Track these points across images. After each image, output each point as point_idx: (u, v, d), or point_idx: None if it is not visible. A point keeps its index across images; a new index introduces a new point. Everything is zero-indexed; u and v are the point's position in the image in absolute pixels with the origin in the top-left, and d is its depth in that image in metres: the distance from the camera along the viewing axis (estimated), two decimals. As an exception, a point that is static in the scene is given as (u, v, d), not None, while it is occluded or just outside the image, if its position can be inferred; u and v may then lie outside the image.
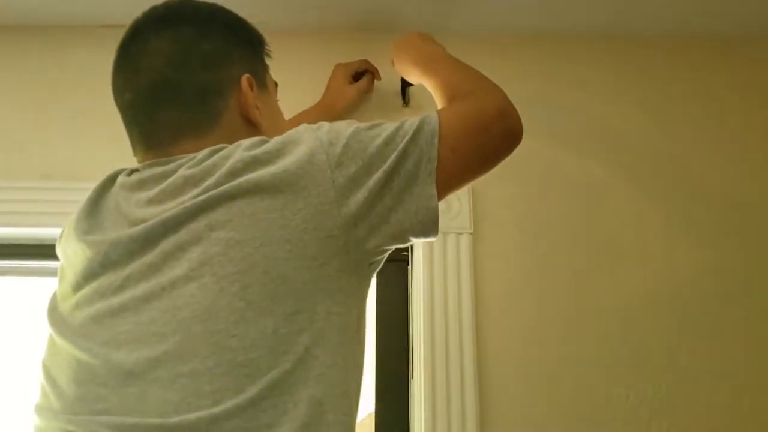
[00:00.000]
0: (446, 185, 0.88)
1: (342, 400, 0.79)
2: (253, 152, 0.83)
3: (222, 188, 0.81)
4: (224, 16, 1.00)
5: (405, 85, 1.59)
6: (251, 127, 0.96)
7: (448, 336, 1.42)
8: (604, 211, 1.59)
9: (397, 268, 1.55)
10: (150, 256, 0.81)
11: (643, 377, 1.45)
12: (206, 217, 0.80)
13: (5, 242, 1.53)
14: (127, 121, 0.96)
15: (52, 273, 1.58)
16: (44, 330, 0.88)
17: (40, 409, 0.82)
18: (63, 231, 0.96)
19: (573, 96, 1.68)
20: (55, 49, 1.65)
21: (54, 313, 0.88)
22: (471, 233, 1.51)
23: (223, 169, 0.82)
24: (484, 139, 0.92)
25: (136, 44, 0.95)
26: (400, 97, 1.63)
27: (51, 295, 0.92)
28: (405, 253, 1.57)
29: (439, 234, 1.45)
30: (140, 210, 0.86)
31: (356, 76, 1.58)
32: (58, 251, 0.96)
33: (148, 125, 0.94)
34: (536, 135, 1.58)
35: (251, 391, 0.73)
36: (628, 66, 1.72)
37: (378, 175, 0.84)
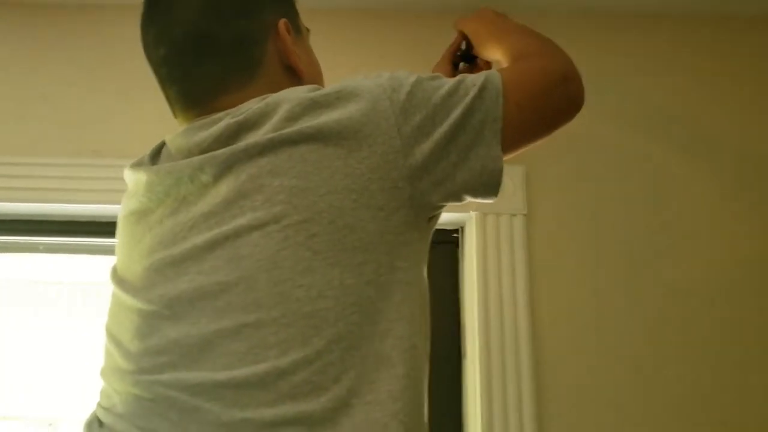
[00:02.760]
0: (507, 147, 0.85)
1: (409, 355, 0.76)
2: (311, 95, 0.81)
3: (283, 132, 0.78)
4: None
5: (466, 60, 1.51)
6: (291, 74, 0.92)
7: (503, 317, 1.40)
8: (662, 193, 1.54)
9: (447, 250, 1.52)
10: (211, 204, 0.79)
11: (700, 363, 1.41)
12: (268, 162, 0.78)
13: (56, 219, 1.53)
14: (163, 80, 0.93)
15: (103, 250, 1.61)
16: (107, 295, 0.87)
17: (106, 373, 0.81)
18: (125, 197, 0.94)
19: (634, 76, 1.63)
20: (107, 25, 1.64)
21: (115, 271, 0.87)
22: (525, 214, 1.48)
23: (281, 113, 0.79)
24: (547, 102, 0.90)
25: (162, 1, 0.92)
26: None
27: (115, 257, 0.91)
28: (455, 235, 1.54)
29: (492, 216, 1.45)
30: (197, 157, 0.83)
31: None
32: (122, 207, 0.93)
33: (186, 82, 0.90)
34: (595, 114, 1.52)
35: (318, 344, 0.71)
36: (691, 46, 1.66)
37: (443, 128, 0.81)
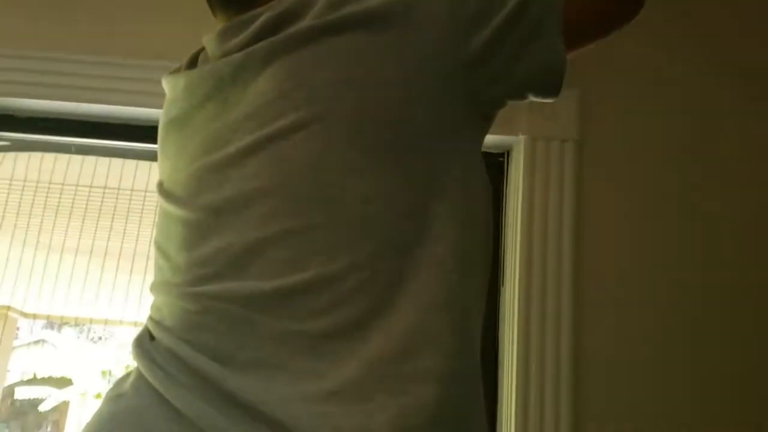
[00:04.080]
0: (569, 42, 0.78)
1: (466, 260, 0.71)
2: None
3: (325, 20, 0.71)
4: None
5: None
6: None
7: (546, 248, 1.35)
8: (717, 122, 1.47)
9: (491, 174, 1.45)
10: (253, 104, 0.73)
11: (749, 305, 1.36)
12: (310, 54, 0.71)
13: (89, 119, 1.48)
14: None
15: (136, 155, 1.57)
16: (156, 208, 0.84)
17: (156, 287, 0.78)
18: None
19: (697, 12, 1.53)
20: None
21: (161, 184, 0.83)
22: (576, 140, 1.41)
23: (323, 1, 0.73)
24: (605, 3, 0.82)
25: None
26: None
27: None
28: (500, 159, 1.48)
29: (542, 140, 1.39)
30: (237, 54, 0.76)
31: None
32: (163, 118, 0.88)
33: None
34: (652, 38, 1.44)
35: (367, 249, 0.67)
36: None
37: (502, 16, 0.74)
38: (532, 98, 0.80)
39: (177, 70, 0.87)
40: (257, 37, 0.75)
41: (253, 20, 0.76)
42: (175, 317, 0.72)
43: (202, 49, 0.87)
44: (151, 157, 1.54)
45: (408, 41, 0.71)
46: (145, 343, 0.73)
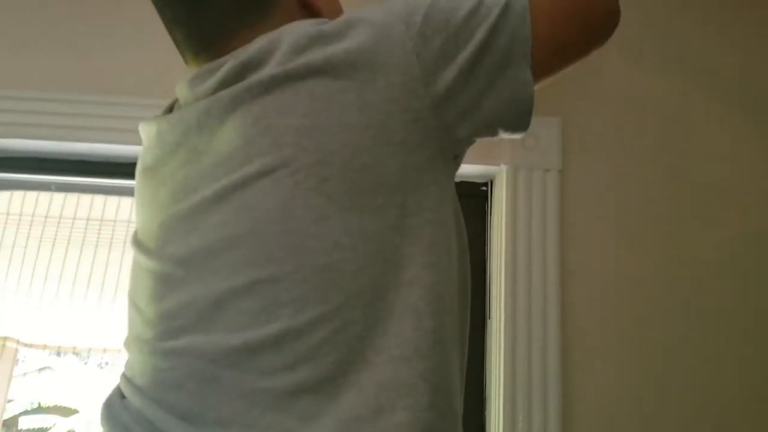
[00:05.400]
0: (538, 72, 0.76)
1: (439, 307, 0.69)
2: (318, 28, 0.73)
3: (287, 66, 0.70)
4: None
5: None
6: (308, 12, 0.83)
7: (531, 277, 1.33)
8: (702, 148, 1.46)
9: (475, 204, 1.45)
10: (219, 152, 0.72)
11: (738, 330, 1.34)
12: (274, 100, 0.70)
13: (69, 158, 1.48)
14: (168, 23, 0.84)
15: (116, 191, 1.56)
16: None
17: (128, 342, 0.77)
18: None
19: (673, 24, 1.53)
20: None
21: (135, 234, 0.82)
22: (559, 170, 1.40)
23: (285, 47, 0.72)
24: (584, 12, 0.80)
25: None
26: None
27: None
28: (483, 188, 1.47)
29: (525, 170, 1.37)
30: (203, 101, 0.76)
31: None
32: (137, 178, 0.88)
33: (192, 23, 0.82)
34: (634, 64, 1.43)
35: (336, 299, 0.65)
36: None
37: (468, 51, 0.73)
38: (503, 134, 0.78)
39: (153, 116, 0.86)
40: (222, 85, 0.74)
41: (218, 68, 0.76)
42: (146, 375, 0.70)
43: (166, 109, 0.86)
44: (131, 192, 1.53)
45: (373, 86, 0.70)
46: (116, 405, 0.71)
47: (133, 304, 0.77)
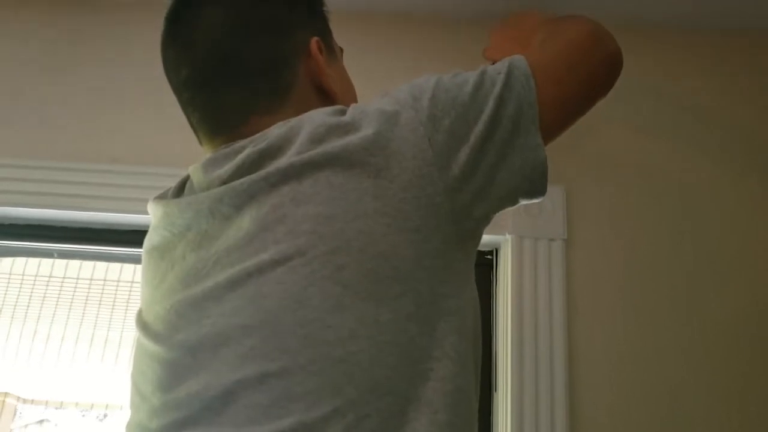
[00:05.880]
0: (548, 132, 0.77)
1: (454, 399, 0.67)
2: (336, 118, 0.73)
3: (305, 156, 0.70)
4: None
5: None
6: (324, 97, 0.85)
7: (538, 349, 1.31)
8: (710, 215, 1.44)
9: (480, 273, 1.43)
10: (233, 238, 0.71)
11: (748, 402, 1.30)
12: (291, 189, 0.70)
13: (72, 225, 1.47)
14: (185, 104, 0.85)
15: (118, 259, 1.55)
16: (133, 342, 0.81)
17: (131, 427, 0.74)
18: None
19: (678, 89, 1.53)
20: (130, 25, 1.57)
21: (140, 315, 0.80)
22: (564, 239, 1.38)
23: (303, 136, 0.72)
24: (587, 68, 0.81)
25: (187, 14, 0.85)
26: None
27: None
28: (488, 257, 1.45)
29: (530, 239, 1.36)
30: (216, 189, 0.76)
31: None
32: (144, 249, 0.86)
33: (210, 107, 0.83)
34: (638, 130, 1.43)
35: (351, 393, 0.63)
36: (736, 57, 1.56)
37: (478, 129, 0.73)
38: (521, 200, 0.78)
39: (162, 196, 0.85)
40: (239, 172, 0.74)
41: (235, 154, 0.76)
42: None
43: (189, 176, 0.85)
44: (135, 260, 1.52)
45: (388, 172, 0.70)
46: None
47: (137, 388, 0.75)
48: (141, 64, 1.51)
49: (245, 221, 0.71)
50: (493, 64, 1.25)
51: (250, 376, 0.64)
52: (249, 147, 0.75)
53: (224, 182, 0.75)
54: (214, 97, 0.82)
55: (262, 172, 0.72)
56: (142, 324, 0.78)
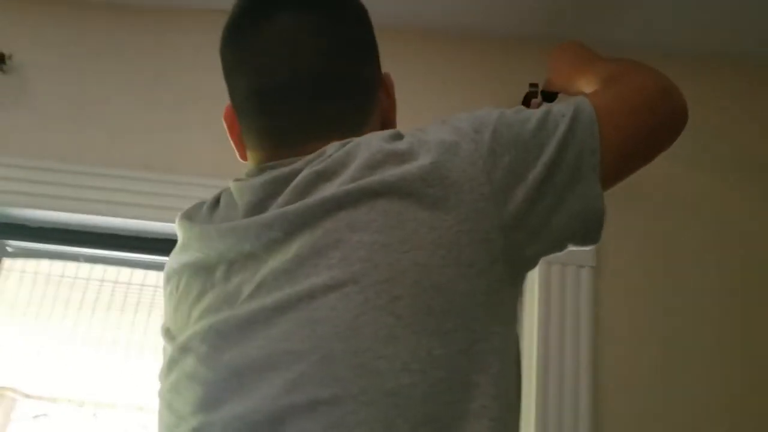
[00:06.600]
0: (608, 180, 0.75)
1: None
2: (393, 144, 0.72)
3: (362, 182, 0.69)
4: (354, 1, 0.86)
5: (546, 98, 1.42)
6: (383, 127, 0.82)
7: (563, 378, 1.29)
8: (738, 245, 1.42)
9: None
10: (282, 261, 0.69)
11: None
12: (346, 215, 0.68)
13: (99, 231, 1.48)
14: (257, 110, 0.81)
15: (144, 265, 1.55)
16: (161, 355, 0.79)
17: None
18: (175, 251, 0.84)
19: (713, 120, 1.51)
20: (167, 32, 1.58)
21: (169, 331, 0.78)
22: (593, 266, 1.36)
23: (360, 161, 0.70)
24: (651, 118, 0.79)
25: (270, 23, 0.80)
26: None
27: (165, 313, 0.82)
28: (515, 280, 1.44)
29: (558, 266, 1.34)
30: (266, 214, 0.73)
31: None
32: (172, 265, 0.83)
33: (293, 117, 0.79)
34: (668, 159, 1.41)
35: (402, 427, 0.61)
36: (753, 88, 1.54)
37: (537, 169, 0.71)
38: (572, 246, 0.76)
39: (191, 216, 0.82)
40: (295, 195, 0.72)
41: (292, 176, 0.74)
42: None
43: (225, 189, 0.83)
44: (160, 267, 1.52)
45: (444, 204, 0.68)
46: None
47: (170, 408, 0.73)
48: (175, 70, 1.52)
49: (296, 245, 0.69)
50: (551, 86, 1.25)
51: (300, 402, 0.62)
52: (306, 168, 0.73)
53: (278, 206, 0.73)
54: (298, 109, 0.79)
55: (317, 197, 0.70)
56: (175, 341, 0.75)
